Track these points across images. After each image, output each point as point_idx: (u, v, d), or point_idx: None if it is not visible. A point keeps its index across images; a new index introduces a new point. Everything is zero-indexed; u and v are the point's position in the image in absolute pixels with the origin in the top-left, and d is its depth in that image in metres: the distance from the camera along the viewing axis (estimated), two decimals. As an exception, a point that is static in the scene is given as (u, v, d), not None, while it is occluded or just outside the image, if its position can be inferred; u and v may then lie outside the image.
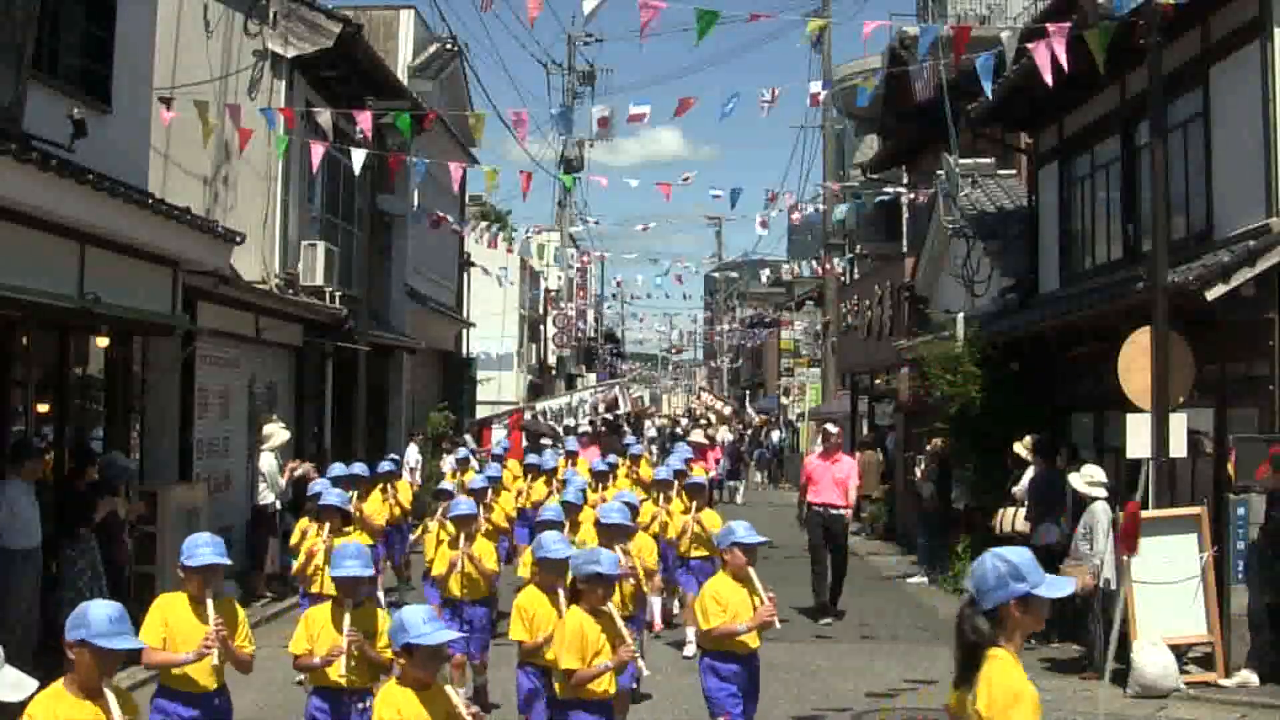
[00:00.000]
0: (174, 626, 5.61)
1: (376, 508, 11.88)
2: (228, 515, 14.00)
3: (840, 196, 23.24)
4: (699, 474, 12.16)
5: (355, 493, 11.07)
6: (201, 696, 5.60)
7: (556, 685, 5.76)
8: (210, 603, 5.58)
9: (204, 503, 12.57)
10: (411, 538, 12.90)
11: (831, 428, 14.11)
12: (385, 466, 12.77)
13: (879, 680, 10.27)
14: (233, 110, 13.53)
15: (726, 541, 6.62)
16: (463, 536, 8.73)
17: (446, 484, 12.00)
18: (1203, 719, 9.16)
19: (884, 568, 17.48)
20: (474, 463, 14.88)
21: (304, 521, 9.45)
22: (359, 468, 11.88)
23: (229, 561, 5.81)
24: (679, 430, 29.21)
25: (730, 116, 12.58)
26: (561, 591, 6.41)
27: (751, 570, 6.60)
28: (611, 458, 13.96)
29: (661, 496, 11.11)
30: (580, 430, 21.68)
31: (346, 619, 5.88)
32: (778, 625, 6.63)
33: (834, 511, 13.26)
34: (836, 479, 13.31)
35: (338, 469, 11.69)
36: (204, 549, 5.63)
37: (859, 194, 22.56)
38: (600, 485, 11.97)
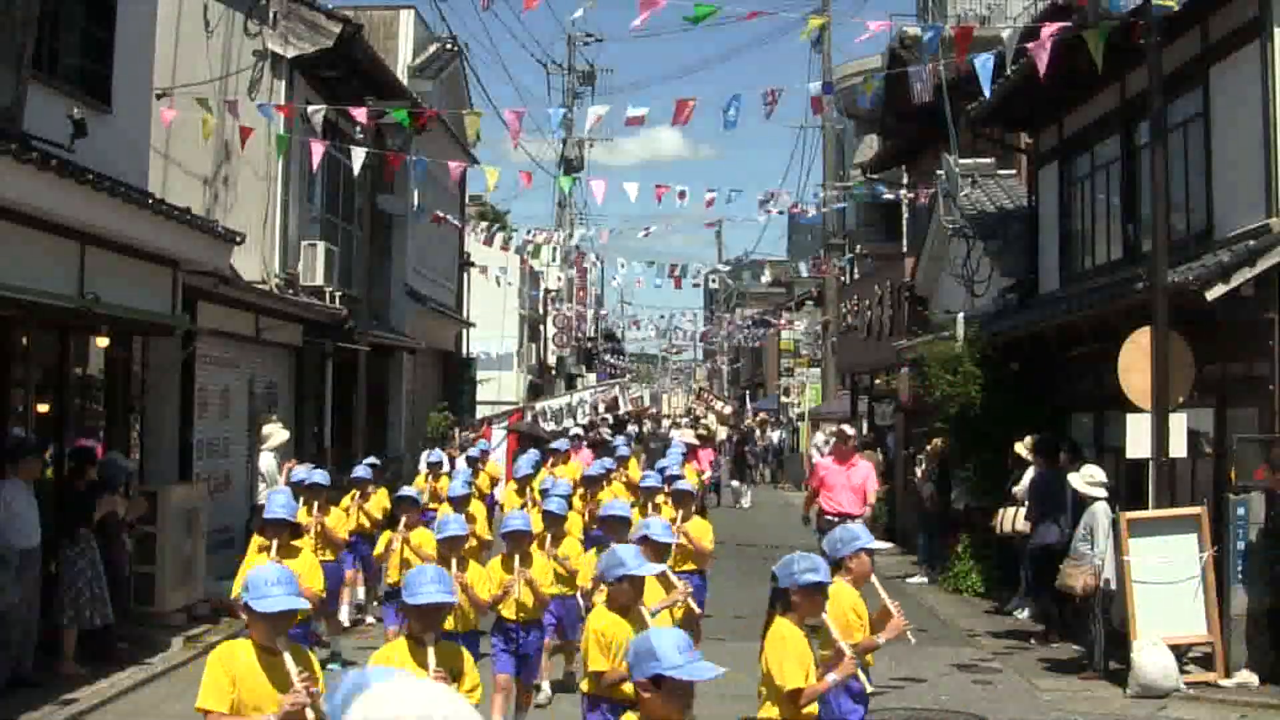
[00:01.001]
0: (244, 684, 4.66)
1: (339, 519, 10.46)
2: (227, 515, 14.03)
3: (840, 198, 23.22)
4: (689, 478, 11.28)
5: (317, 502, 10.00)
6: None
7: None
8: (288, 655, 4.65)
9: (204, 503, 12.58)
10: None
11: (849, 429, 13.43)
12: (359, 472, 11.64)
13: (878, 680, 10.21)
14: (231, 105, 13.54)
15: (853, 547, 5.91)
16: (453, 562, 7.46)
17: (410, 489, 10.49)
18: (1203, 719, 9.15)
19: (884, 568, 17.40)
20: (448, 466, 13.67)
21: (258, 539, 8.14)
22: (320, 475, 10.44)
23: (307, 605, 5.19)
24: (671, 433, 28.13)
25: (732, 122, 12.38)
26: (645, 610, 5.85)
27: (875, 579, 6.05)
28: (608, 461, 12.97)
29: (650, 504, 10.10)
30: (572, 432, 20.27)
31: (431, 655, 4.94)
32: (912, 640, 6.09)
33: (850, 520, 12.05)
34: (853, 485, 12.47)
35: (299, 473, 10.78)
36: (276, 589, 4.70)
37: (854, 194, 22.56)
38: (591, 492, 11.15)
